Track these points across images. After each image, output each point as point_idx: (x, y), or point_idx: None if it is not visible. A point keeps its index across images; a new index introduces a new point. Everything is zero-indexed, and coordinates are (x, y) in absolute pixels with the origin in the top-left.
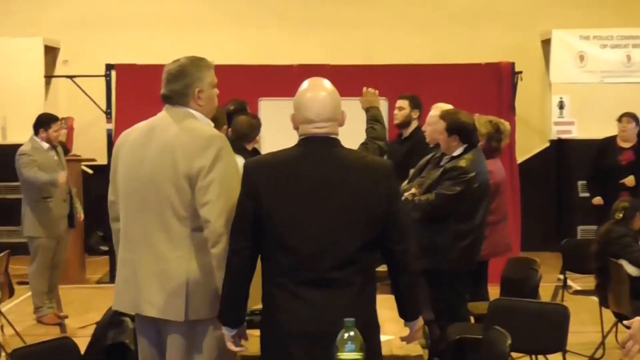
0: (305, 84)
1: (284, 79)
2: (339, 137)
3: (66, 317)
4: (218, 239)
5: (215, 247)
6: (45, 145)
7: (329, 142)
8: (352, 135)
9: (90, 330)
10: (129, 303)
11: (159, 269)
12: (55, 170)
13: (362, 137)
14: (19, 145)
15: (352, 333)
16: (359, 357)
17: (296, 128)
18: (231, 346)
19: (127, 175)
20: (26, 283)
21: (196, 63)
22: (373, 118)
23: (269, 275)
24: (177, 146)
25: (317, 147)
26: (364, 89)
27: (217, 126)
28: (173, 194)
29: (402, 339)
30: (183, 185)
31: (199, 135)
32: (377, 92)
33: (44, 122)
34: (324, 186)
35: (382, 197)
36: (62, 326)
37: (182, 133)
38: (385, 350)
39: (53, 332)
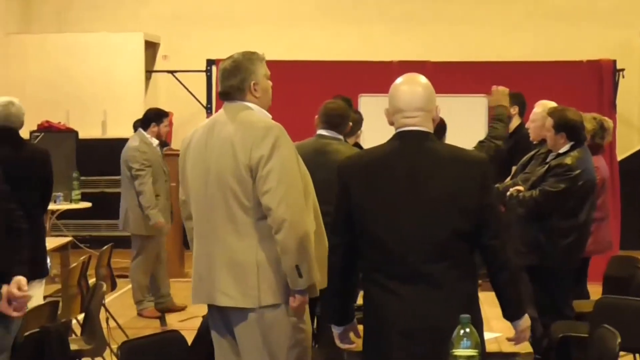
0: (399, 79)
1: (384, 76)
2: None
3: (185, 307)
4: (281, 225)
5: (279, 234)
6: (155, 141)
7: (421, 136)
8: (453, 131)
9: (190, 323)
10: (204, 295)
11: (229, 260)
12: (162, 166)
13: (461, 133)
14: (118, 140)
15: (467, 330)
16: (475, 354)
17: (391, 123)
18: (339, 343)
19: (194, 173)
20: (125, 276)
21: (248, 57)
22: (497, 117)
23: (364, 272)
24: (236, 139)
25: (408, 141)
26: (494, 87)
27: (344, 123)
28: (236, 186)
29: (509, 339)
30: (244, 176)
31: (256, 126)
32: (507, 90)
33: (155, 117)
34: (413, 180)
35: (473, 190)
36: (162, 319)
37: (240, 125)
38: (493, 348)
39: (153, 325)
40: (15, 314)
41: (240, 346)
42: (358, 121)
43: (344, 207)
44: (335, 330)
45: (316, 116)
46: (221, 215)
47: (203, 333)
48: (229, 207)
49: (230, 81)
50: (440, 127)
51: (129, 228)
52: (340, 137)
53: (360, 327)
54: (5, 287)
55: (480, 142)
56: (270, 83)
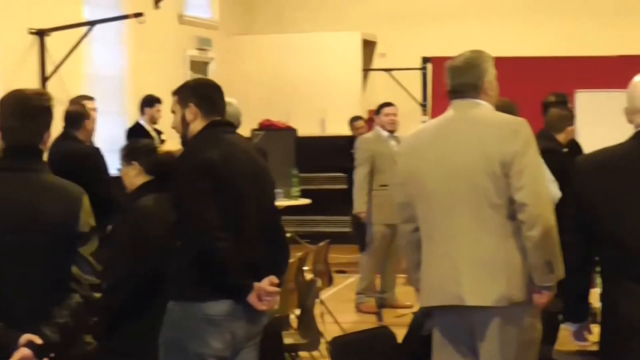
0: (638, 76)
1: (601, 71)
2: None
3: (410, 306)
4: (536, 221)
5: (533, 230)
6: (385, 133)
7: None
8: None
9: (406, 319)
10: (445, 296)
11: (478, 258)
12: (392, 156)
13: None
14: (337, 137)
15: None
16: None
17: (630, 121)
18: (573, 341)
19: (432, 173)
20: (344, 272)
21: (481, 55)
22: None
23: (603, 272)
24: (486, 135)
25: None
26: None
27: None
28: (487, 184)
29: None
30: (497, 173)
31: (505, 122)
32: None
33: (377, 109)
34: None
35: None
36: (379, 315)
37: (488, 123)
38: None
39: (370, 321)
40: (262, 307)
41: (484, 346)
42: (567, 117)
43: (579, 206)
44: (571, 328)
45: None
46: (467, 214)
47: (414, 330)
48: (476, 205)
49: (463, 79)
50: None
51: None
52: None
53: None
54: (257, 283)
55: None
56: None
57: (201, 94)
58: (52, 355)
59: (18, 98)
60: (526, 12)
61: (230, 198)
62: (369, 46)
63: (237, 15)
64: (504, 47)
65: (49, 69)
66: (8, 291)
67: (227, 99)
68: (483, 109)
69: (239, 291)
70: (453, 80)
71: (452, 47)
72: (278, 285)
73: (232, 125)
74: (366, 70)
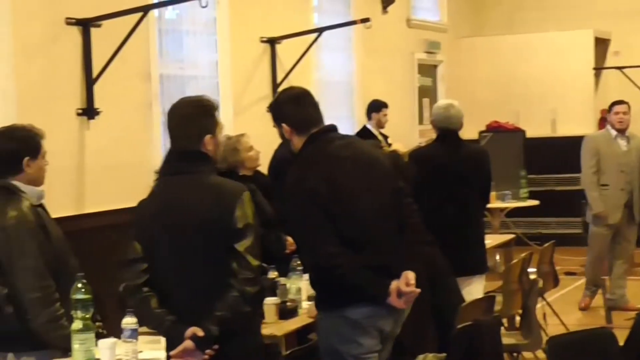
0: None
1: None
2: None
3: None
4: None
5: None
6: (613, 132)
7: None
8: None
9: None
10: None
11: None
12: (615, 157)
13: None
14: (567, 138)
15: None
16: None
17: None
18: None
19: None
20: (573, 274)
21: None
22: None
23: None
24: None
25: None
26: None
27: None
28: None
29: None
30: None
31: None
32: None
33: (609, 106)
34: None
35: None
36: (608, 317)
37: None
38: None
39: (598, 323)
40: (403, 305)
41: None
42: None
43: None
44: None
45: None
46: None
47: (636, 331)
48: None
49: None
50: None
51: (586, 217)
52: None
53: None
54: (395, 283)
55: None
56: None
57: (290, 110)
58: (215, 347)
59: (175, 107)
60: None
61: (342, 217)
62: (601, 44)
63: (465, 18)
64: None
65: (279, 75)
66: (176, 288)
67: (449, 101)
68: None
69: (375, 297)
70: None
71: None
72: (416, 276)
73: (333, 130)
74: (597, 68)
